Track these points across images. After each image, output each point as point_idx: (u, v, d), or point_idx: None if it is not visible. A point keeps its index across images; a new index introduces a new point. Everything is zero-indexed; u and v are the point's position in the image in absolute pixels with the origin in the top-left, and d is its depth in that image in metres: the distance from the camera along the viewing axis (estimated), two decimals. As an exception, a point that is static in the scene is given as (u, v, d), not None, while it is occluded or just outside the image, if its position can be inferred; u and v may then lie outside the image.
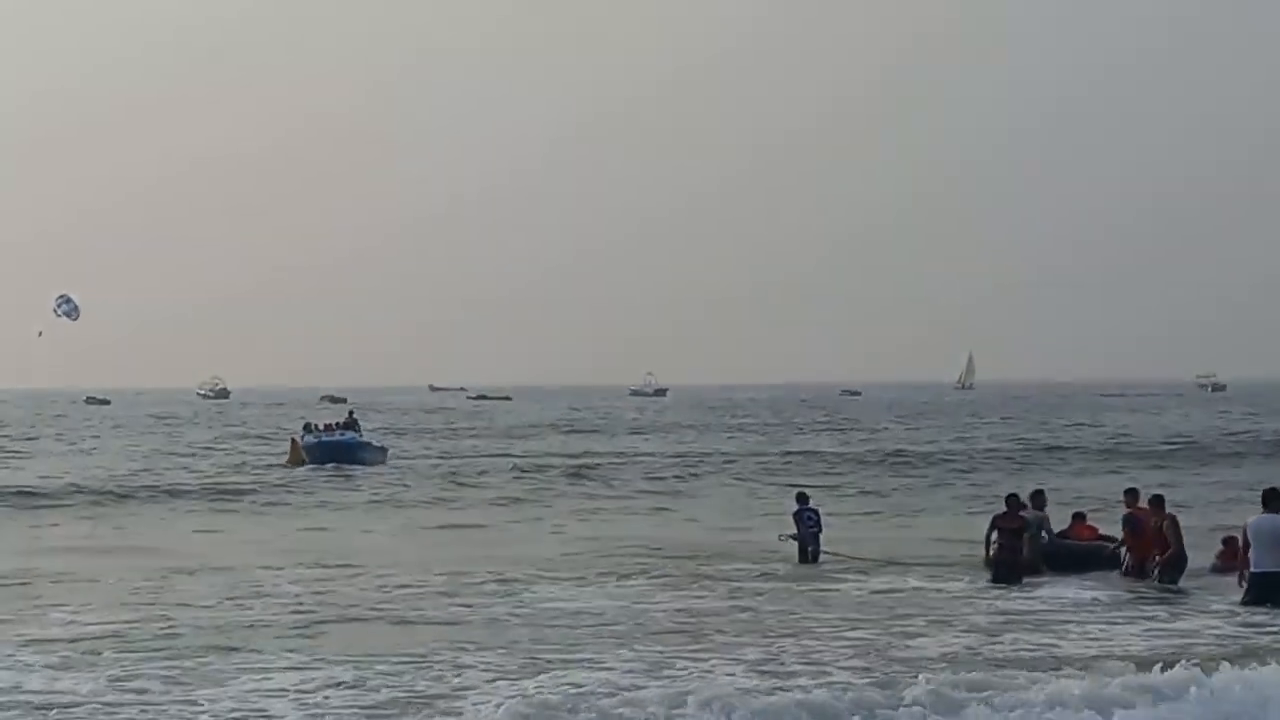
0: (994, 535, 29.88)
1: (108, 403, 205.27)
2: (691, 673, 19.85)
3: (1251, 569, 25.00)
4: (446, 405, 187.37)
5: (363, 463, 65.95)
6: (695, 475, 63.58)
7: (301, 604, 26.79)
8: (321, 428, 71.09)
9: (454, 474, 63.69)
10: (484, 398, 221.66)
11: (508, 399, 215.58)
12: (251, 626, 24.29)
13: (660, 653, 21.57)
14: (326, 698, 18.76)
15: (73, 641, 22.63)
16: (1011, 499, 31.07)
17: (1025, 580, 29.10)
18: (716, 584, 29.53)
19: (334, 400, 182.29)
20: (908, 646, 22.43)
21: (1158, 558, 28.73)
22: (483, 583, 29.52)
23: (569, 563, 33.09)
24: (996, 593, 28.10)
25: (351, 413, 78.69)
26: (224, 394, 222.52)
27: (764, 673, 19.88)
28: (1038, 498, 32.22)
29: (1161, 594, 27.52)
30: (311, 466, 65.16)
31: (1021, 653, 21.96)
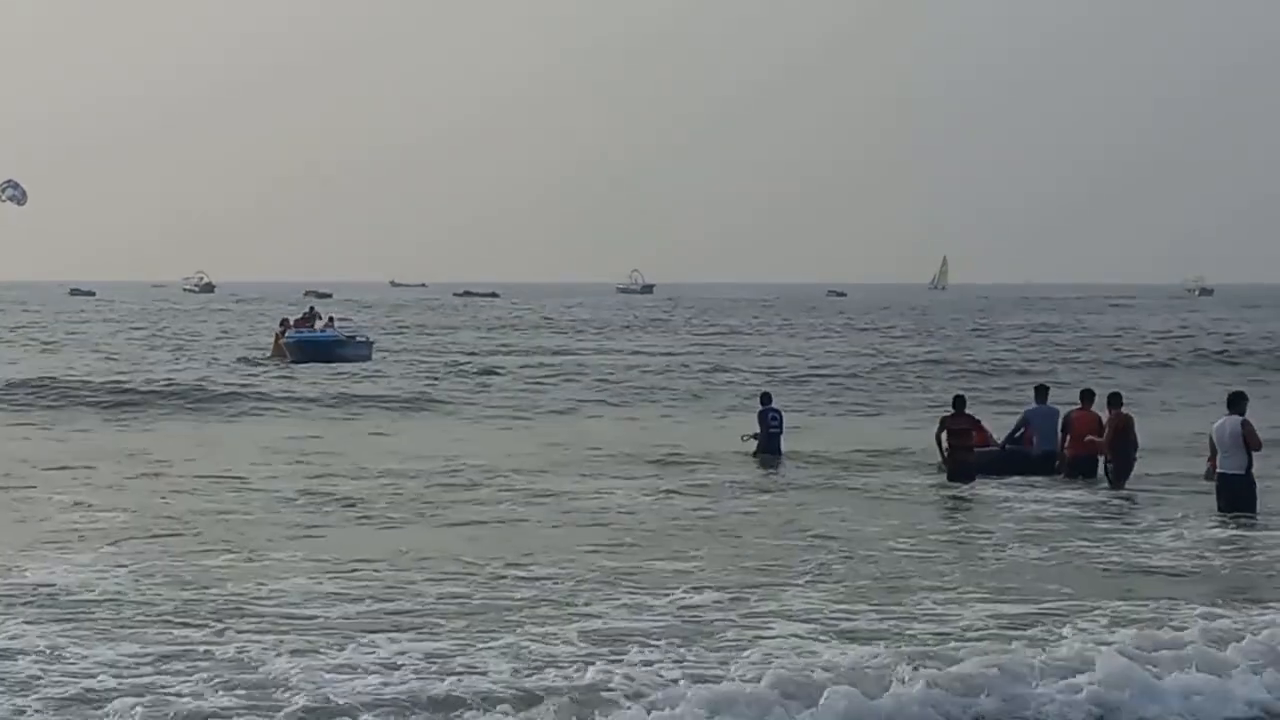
0: (944, 436, 29.50)
1: (92, 294, 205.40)
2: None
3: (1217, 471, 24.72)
4: (435, 301, 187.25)
5: (345, 359, 65.13)
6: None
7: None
8: (293, 323, 70.46)
9: (432, 373, 62.85)
10: (469, 294, 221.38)
11: (494, 295, 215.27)
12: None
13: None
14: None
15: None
16: (958, 400, 30.63)
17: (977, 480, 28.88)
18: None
19: (319, 295, 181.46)
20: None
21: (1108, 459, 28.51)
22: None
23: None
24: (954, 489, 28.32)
25: (312, 308, 76.61)
26: (209, 288, 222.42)
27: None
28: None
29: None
30: (294, 364, 64.05)
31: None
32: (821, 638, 16.11)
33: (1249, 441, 24.21)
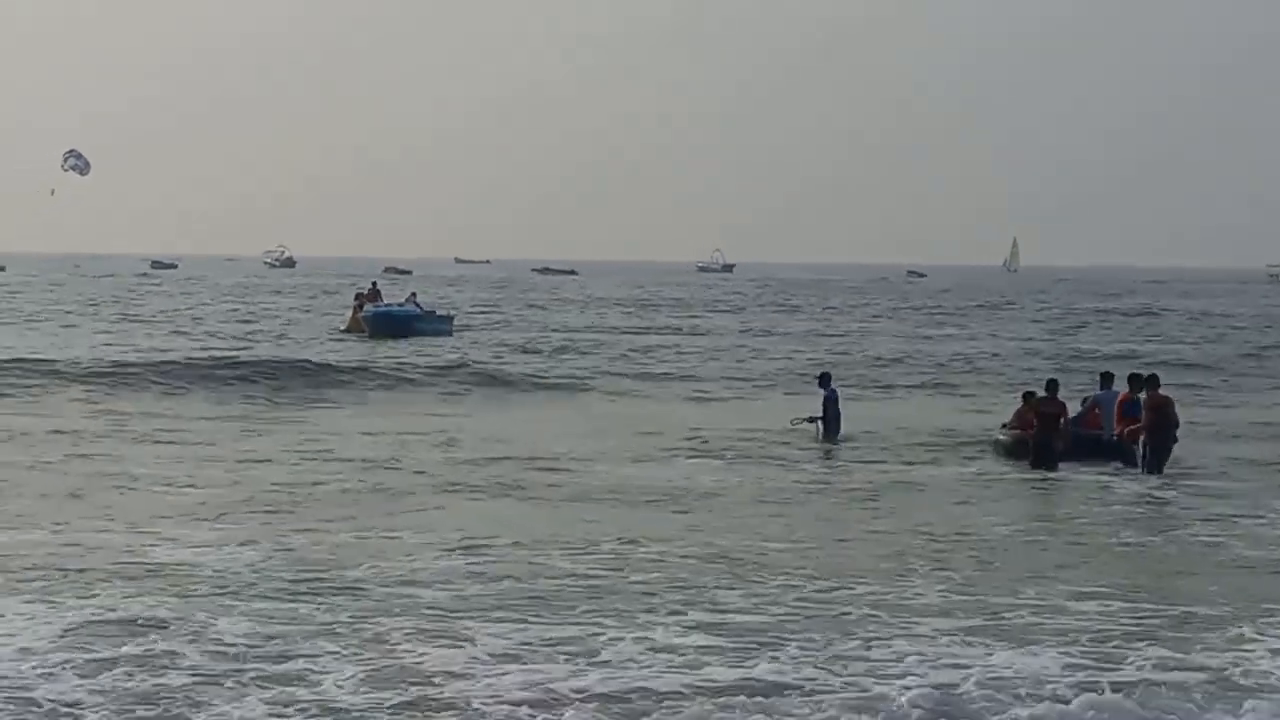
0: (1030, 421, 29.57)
1: (174, 267, 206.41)
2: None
3: None
4: (514, 278, 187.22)
5: (423, 334, 65.30)
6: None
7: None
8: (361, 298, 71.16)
9: (522, 345, 62.77)
10: (548, 270, 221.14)
11: (573, 273, 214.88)
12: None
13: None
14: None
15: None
16: (1051, 384, 30.67)
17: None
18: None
19: (399, 271, 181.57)
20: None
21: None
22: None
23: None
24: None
25: (374, 283, 76.55)
26: (290, 263, 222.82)
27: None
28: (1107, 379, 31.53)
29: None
30: (372, 339, 64.17)
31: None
32: (980, 639, 15.47)
33: None
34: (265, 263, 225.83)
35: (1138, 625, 16.17)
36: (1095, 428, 30.34)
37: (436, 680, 13.80)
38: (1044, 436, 29.11)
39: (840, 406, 33.44)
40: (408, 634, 15.25)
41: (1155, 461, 28.11)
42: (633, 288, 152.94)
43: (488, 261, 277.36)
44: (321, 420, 36.65)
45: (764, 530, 21.67)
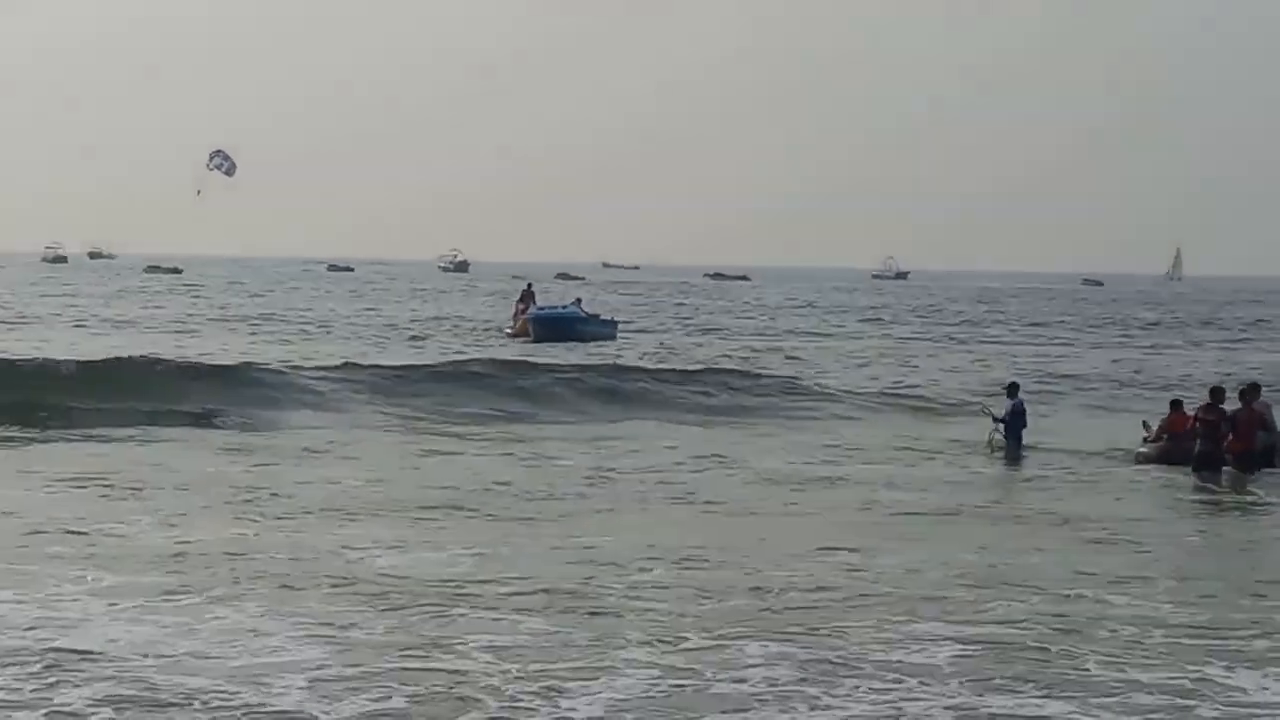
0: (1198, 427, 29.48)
1: (351, 270, 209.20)
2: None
3: None
4: (687, 282, 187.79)
5: (585, 338, 65.55)
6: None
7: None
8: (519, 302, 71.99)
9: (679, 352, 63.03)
10: (721, 276, 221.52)
11: (745, 279, 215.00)
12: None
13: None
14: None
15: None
16: (1216, 391, 30.48)
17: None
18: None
19: (569, 278, 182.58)
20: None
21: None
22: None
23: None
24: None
25: (529, 284, 77.05)
26: (463, 267, 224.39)
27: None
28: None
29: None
30: (537, 342, 64.76)
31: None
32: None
33: None
34: (439, 267, 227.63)
35: None
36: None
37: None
38: (1207, 442, 29.05)
39: (1028, 419, 33.08)
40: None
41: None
42: (812, 293, 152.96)
43: (636, 267, 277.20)
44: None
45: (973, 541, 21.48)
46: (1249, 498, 26.64)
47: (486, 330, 76.15)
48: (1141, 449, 30.99)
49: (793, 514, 23.66)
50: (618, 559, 19.05)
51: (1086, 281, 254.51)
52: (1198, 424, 29.57)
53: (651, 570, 18.45)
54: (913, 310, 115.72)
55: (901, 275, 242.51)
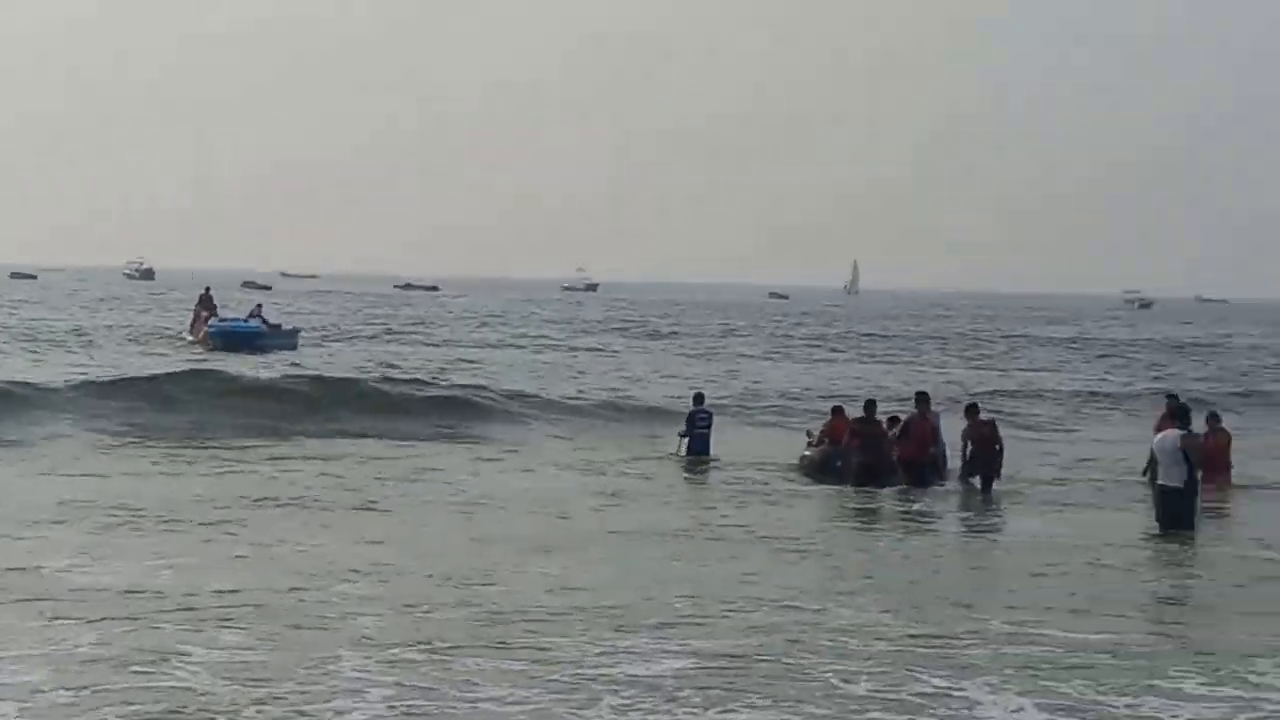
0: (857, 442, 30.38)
1: (34, 277, 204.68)
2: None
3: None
4: (373, 292, 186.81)
5: (266, 350, 64.76)
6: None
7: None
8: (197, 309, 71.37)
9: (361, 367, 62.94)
10: (410, 286, 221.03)
11: (435, 289, 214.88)
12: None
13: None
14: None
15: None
16: (869, 404, 31.48)
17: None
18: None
19: (255, 286, 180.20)
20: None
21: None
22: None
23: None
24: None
25: (208, 288, 76.11)
26: (149, 275, 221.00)
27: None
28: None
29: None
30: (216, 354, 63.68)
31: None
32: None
33: (1189, 456, 24.20)
34: (125, 274, 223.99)
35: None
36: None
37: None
38: (867, 457, 29.81)
39: (710, 425, 33.85)
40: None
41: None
42: (501, 304, 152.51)
43: (315, 276, 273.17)
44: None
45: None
46: (917, 506, 27.58)
47: (166, 338, 74.83)
48: (805, 453, 32.07)
49: (494, 525, 23.87)
50: (318, 571, 19.13)
51: (773, 294, 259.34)
52: (854, 437, 30.38)
53: (355, 583, 18.51)
54: (600, 323, 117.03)
55: (591, 287, 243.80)
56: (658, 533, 23.60)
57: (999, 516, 26.94)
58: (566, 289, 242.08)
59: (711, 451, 33.53)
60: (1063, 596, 19.03)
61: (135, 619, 16.23)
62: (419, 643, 15.50)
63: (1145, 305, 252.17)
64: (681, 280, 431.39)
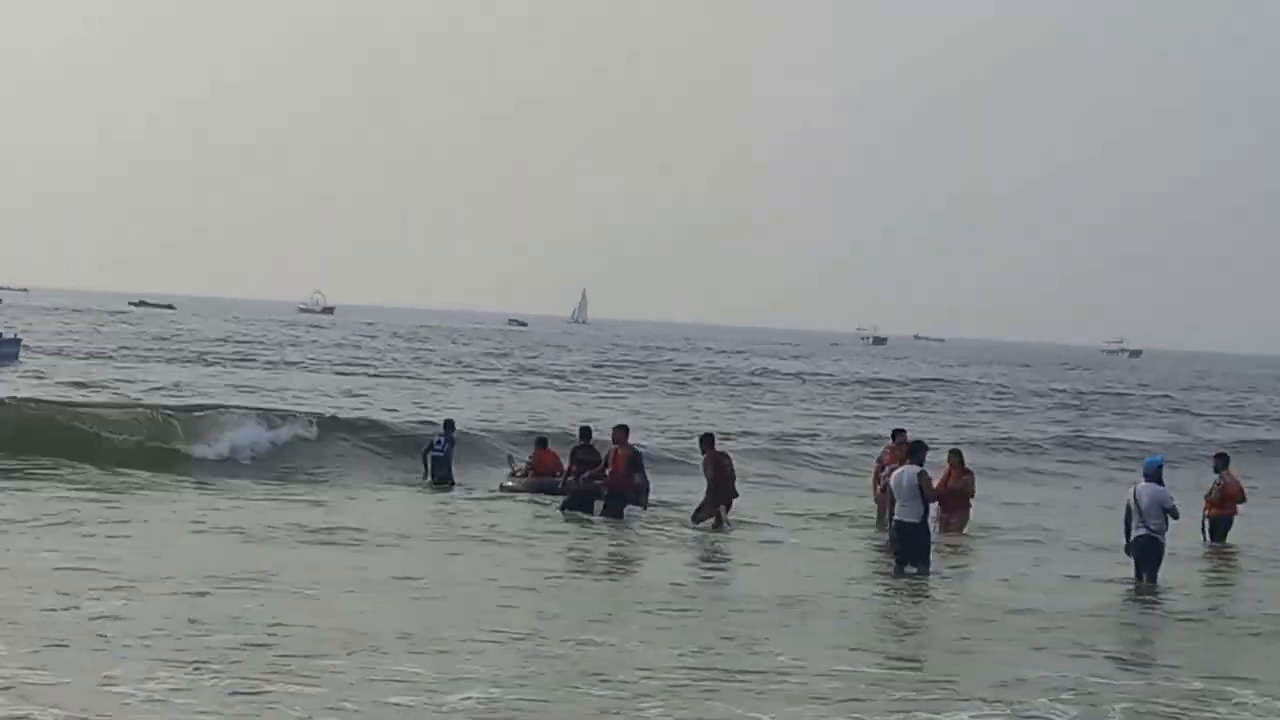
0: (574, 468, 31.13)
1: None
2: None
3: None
4: (109, 309, 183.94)
5: None
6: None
7: None
8: None
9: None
10: (145, 304, 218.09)
11: (170, 308, 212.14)
12: None
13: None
14: None
15: None
16: (584, 430, 32.60)
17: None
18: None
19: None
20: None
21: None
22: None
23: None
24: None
25: None
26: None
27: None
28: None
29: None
30: None
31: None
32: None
33: (925, 492, 24.33)
34: None
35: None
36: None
37: None
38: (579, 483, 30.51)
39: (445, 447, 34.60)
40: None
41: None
42: (237, 325, 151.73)
43: (25, 290, 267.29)
44: None
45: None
46: (626, 532, 28.17)
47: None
48: (507, 482, 33.26)
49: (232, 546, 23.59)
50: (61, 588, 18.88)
51: (512, 321, 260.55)
52: (573, 464, 31.11)
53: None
54: (337, 345, 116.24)
55: (328, 310, 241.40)
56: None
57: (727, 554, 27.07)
58: (303, 311, 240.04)
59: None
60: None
61: None
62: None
63: (880, 341, 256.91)
64: (415, 305, 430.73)
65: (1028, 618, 20.79)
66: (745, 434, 50.13)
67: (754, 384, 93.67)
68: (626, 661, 16.58)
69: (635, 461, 30.11)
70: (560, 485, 31.13)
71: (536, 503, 31.20)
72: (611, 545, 26.78)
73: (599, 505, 29.90)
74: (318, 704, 14.16)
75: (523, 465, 33.63)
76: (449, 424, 35.76)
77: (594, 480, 30.23)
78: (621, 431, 30.62)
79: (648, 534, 28.04)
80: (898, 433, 31.07)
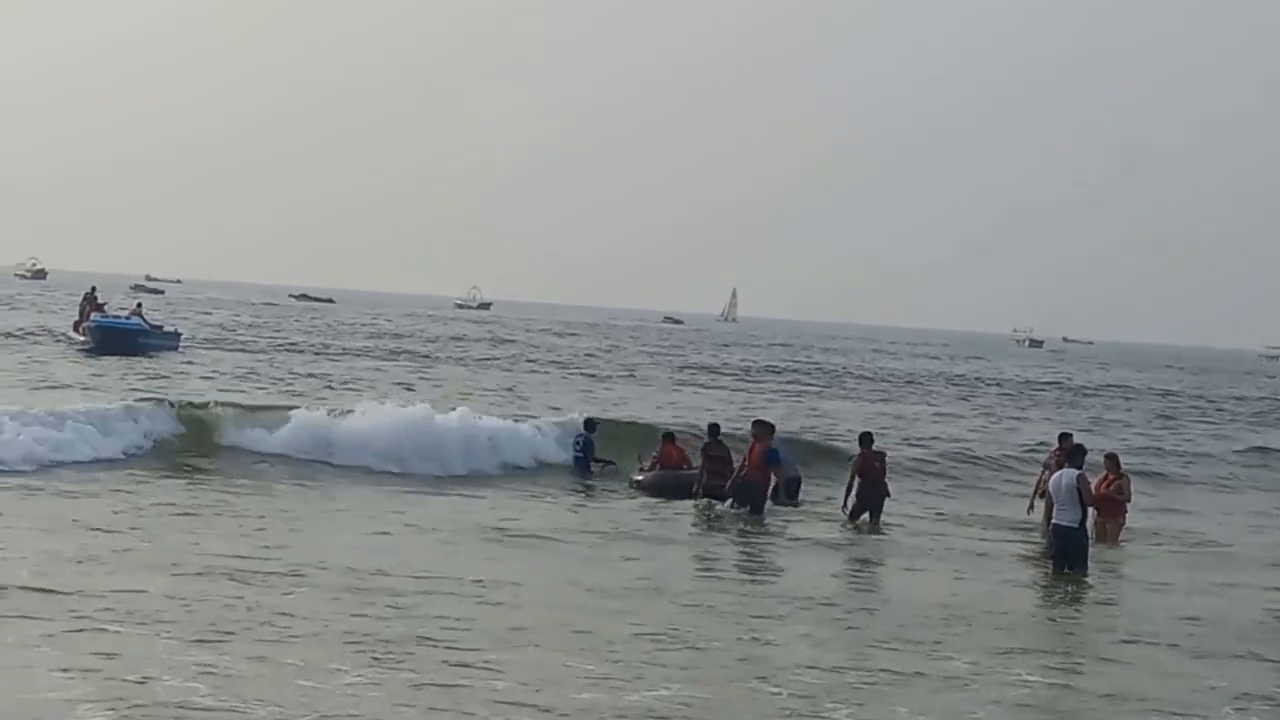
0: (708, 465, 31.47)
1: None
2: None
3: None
4: (271, 303, 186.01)
5: (147, 350, 64.67)
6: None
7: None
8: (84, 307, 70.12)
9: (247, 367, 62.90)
10: (306, 297, 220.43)
11: (330, 301, 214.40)
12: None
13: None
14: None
15: None
16: (713, 427, 33.02)
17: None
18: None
19: (146, 289, 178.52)
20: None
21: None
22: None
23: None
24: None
25: (93, 287, 75.16)
26: (41, 274, 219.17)
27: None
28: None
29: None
30: (96, 351, 63.75)
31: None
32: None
33: (1083, 496, 24.45)
34: (16, 275, 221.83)
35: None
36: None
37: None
38: (713, 480, 30.80)
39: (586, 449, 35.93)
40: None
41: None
42: (401, 319, 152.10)
43: (179, 281, 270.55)
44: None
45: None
46: (771, 529, 28.33)
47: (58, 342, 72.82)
48: (636, 477, 33.48)
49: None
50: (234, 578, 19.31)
51: (667, 319, 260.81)
52: (704, 459, 31.62)
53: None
54: (530, 344, 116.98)
55: (484, 305, 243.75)
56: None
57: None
58: (460, 306, 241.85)
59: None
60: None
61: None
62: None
63: (1035, 344, 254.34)
64: (564, 302, 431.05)
65: (1191, 625, 20.78)
66: (913, 440, 49.53)
67: (938, 388, 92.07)
68: (798, 661, 16.78)
69: (772, 456, 30.15)
70: (695, 485, 31.30)
71: (666, 503, 31.08)
72: (759, 545, 26.87)
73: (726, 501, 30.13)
74: (504, 696, 14.55)
75: (650, 459, 33.96)
76: (590, 423, 36.77)
77: (721, 475, 30.61)
78: (761, 427, 30.75)
79: (797, 533, 28.15)
80: (1064, 437, 31.04)
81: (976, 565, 25.84)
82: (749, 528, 28.31)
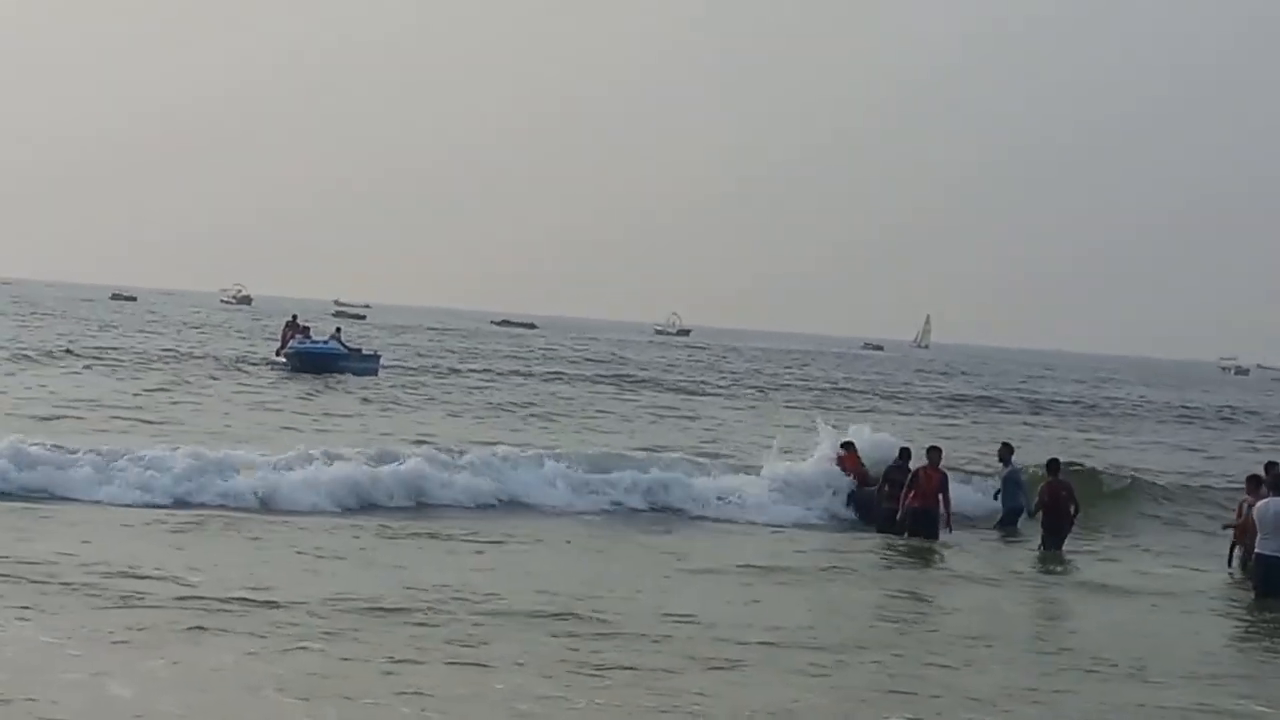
0: (887, 488, 31.44)
1: (134, 299, 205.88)
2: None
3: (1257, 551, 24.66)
4: (467, 328, 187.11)
5: (345, 372, 65.76)
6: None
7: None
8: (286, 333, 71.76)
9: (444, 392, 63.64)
10: (508, 323, 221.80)
11: (532, 326, 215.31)
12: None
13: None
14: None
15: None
16: (903, 451, 32.21)
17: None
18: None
19: (345, 315, 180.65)
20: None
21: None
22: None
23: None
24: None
25: (295, 316, 77.75)
26: (246, 300, 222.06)
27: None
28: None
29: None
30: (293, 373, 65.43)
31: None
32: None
33: None
34: (221, 300, 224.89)
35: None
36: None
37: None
38: (892, 503, 30.76)
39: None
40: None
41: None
42: (602, 344, 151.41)
43: (368, 306, 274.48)
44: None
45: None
46: (954, 555, 28.51)
47: (255, 366, 72.16)
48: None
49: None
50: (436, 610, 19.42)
51: (867, 345, 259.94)
52: (884, 483, 31.68)
53: None
54: (700, 364, 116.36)
55: (684, 332, 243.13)
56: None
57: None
58: (659, 331, 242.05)
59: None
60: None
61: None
62: None
63: (1242, 372, 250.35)
64: (758, 328, 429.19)
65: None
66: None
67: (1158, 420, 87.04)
68: (1008, 686, 16.97)
69: (943, 484, 30.31)
70: (877, 504, 31.67)
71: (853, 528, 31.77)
72: (942, 570, 27.12)
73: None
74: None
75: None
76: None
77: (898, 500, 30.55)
78: (935, 453, 30.81)
79: (979, 560, 28.29)
80: (1271, 466, 30.60)
81: (1164, 593, 25.61)
82: (927, 551, 28.63)
